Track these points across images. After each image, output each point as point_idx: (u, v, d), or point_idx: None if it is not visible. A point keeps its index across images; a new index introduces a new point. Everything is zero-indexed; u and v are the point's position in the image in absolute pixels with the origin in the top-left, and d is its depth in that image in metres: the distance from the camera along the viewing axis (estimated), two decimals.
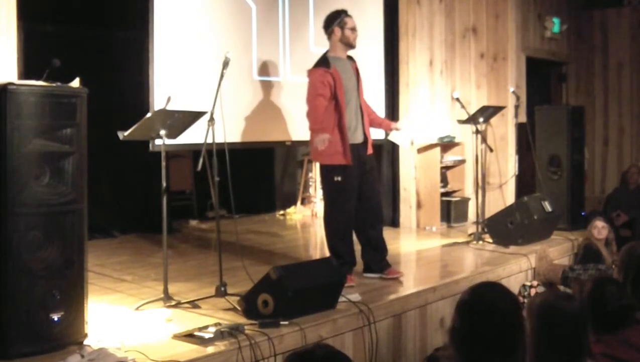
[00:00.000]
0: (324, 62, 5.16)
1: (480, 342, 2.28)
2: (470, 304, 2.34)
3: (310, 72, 5.18)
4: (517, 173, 8.12)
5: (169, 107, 4.50)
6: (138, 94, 6.09)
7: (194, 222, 8.36)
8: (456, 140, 8.18)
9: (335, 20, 5.22)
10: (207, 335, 3.65)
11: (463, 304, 2.35)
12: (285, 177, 9.93)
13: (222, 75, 4.63)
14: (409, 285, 5.15)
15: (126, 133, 4.40)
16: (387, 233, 7.40)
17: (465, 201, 8.13)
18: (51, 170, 3.50)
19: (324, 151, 5.01)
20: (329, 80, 5.06)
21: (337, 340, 4.12)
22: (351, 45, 5.27)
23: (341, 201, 5.14)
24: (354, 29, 5.23)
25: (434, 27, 8.09)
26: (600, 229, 6.52)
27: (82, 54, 6.75)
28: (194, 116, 4.61)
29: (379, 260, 5.32)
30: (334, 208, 5.19)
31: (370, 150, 5.31)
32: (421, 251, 6.62)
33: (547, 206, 6.83)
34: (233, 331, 3.68)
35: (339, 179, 5.09)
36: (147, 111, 4.88)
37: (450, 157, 8.21)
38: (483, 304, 2.32)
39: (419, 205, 7.88)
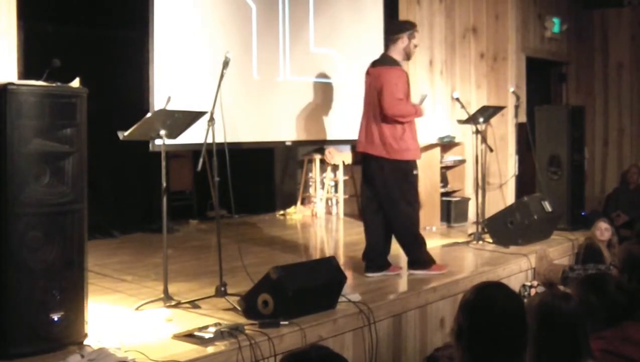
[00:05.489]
0: (396, 61, 5.38)
1: (486, 342, 2.27)
2: (475, 304, 2.33)
3: (388, 70, 5.31)
4: (517, 173, 8.12)
5: (169, 107, 4.50)
6: (138, 94, 6.09)
7: (194, 222, 8.35)
8: (456, 140, 8.18)
9: (407, 30, 5.44)
10: (207, 335, 3.65)
11: (468, 304, 2.34)
12: (285, 177, 9.93)
13: (222, 75, 4.64)
14: (409, 285, 5.15)
15: (126, 133, 4.41)
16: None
17: (465, 201, 8.13)
18: (51, 170, 3.50)
19: (399, 147, 5.19)
20: (404, 80, 5.32)
21: (337, 340, 4.12)
22: (409, 58, 5.55)
23: (416, 195, 5.35)
24: (416, 46, 5.49)
25: (434, 27, 8.09)
26: (603, 230, 6.51)
27: (82, 54, 6.75)
28: (194, 116, 4.60)
29: (385, 256, 5.39)
30: (413, 203, 5.31)
31: None
32: None
33: (547, 206, 6.82)
34: (233, 331, 3.68)
35: (416, 172, 5.30)
36: (147, 111, 4.87)
37: (450, 157, 8.21)
38: (489, 303, 2.31)
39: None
